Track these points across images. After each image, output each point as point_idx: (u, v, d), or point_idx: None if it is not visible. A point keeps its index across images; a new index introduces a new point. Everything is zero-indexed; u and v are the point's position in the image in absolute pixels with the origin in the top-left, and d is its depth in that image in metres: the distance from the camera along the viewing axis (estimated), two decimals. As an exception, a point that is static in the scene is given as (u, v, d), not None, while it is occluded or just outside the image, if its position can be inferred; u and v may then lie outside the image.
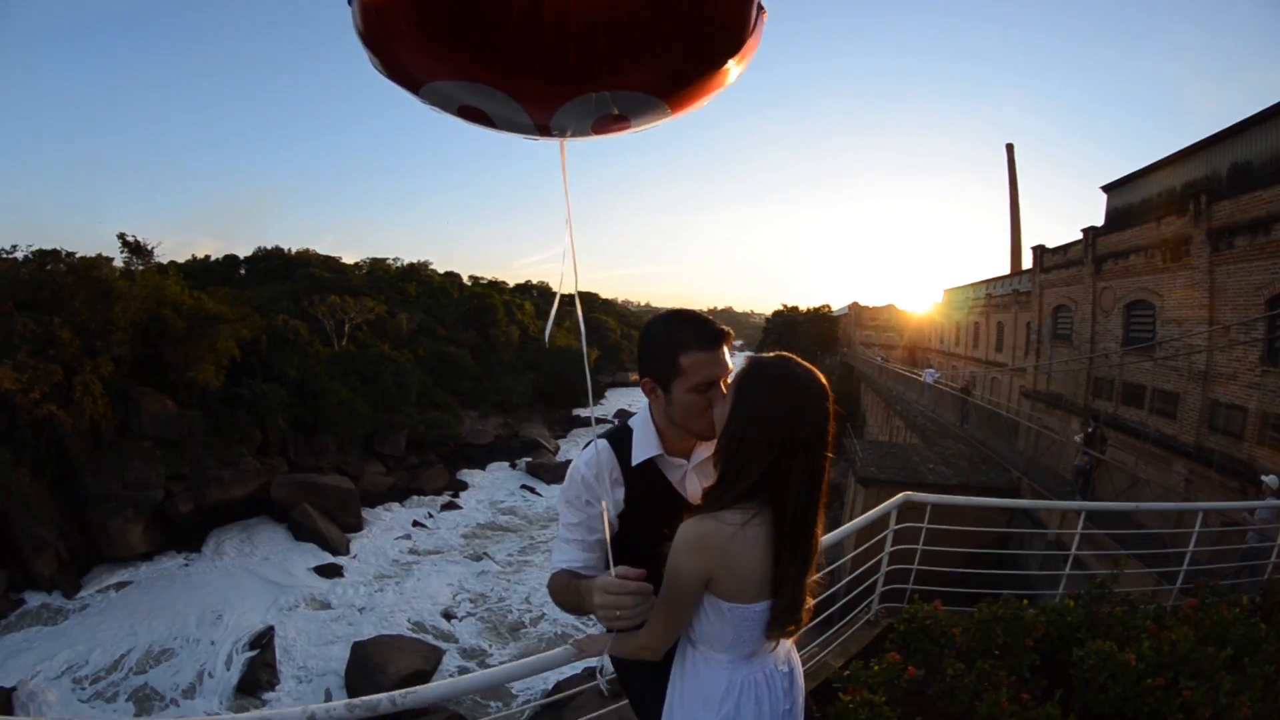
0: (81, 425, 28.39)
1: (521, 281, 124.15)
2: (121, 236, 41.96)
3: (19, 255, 33.49)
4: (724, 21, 1.52)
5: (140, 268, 39.58)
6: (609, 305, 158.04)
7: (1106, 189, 25.38)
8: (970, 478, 20.41)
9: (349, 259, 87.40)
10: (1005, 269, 42.55)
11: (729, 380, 1.85)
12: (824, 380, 1.67)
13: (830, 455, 1.66)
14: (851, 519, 5.52)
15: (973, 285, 39.42)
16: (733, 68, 1.61)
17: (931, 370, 35.44)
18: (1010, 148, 45.59)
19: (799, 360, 1.70)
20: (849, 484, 23.68)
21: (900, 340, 58.21)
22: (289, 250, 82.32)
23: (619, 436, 2.05)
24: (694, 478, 2.01)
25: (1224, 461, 14.70)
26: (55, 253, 32.85)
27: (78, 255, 33.11)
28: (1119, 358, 20.96)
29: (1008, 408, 28.23)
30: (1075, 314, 25.10)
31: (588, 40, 1.46)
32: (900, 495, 5.14)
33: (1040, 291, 28.54)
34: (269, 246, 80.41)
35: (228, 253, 78.39)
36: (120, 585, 28.38)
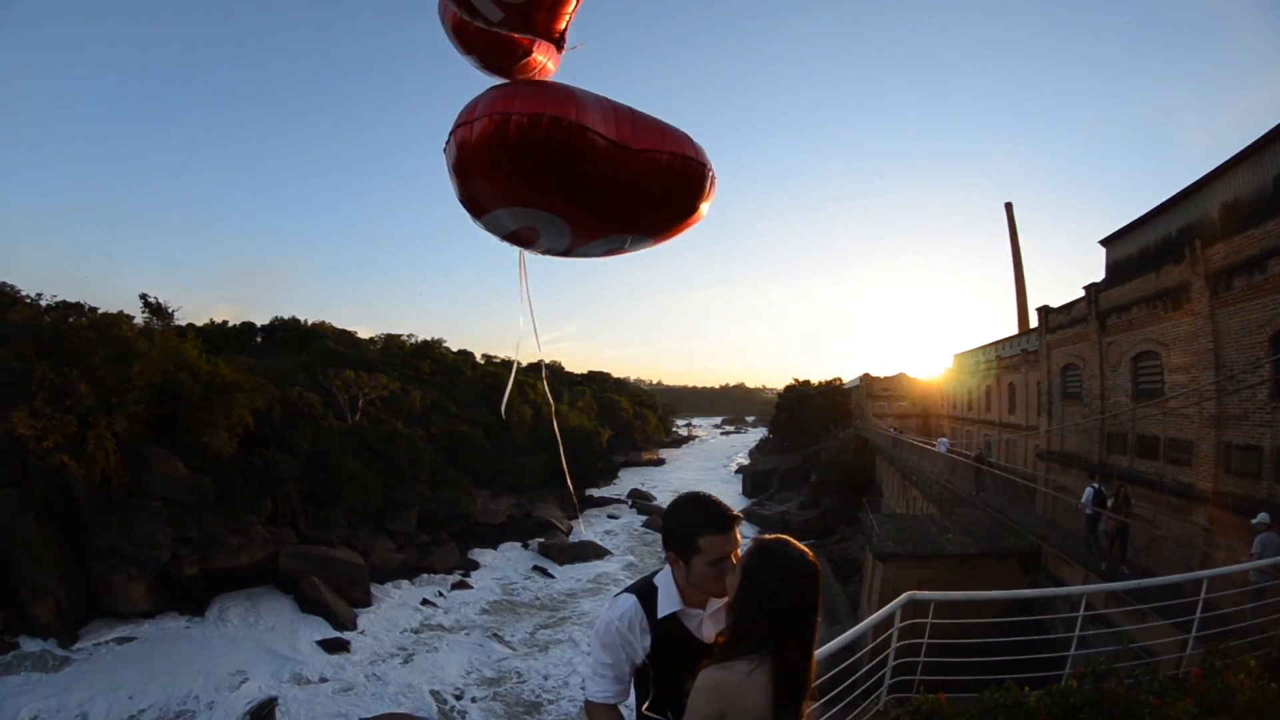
0: (92, 478, 28.50)
1: (534, 361, 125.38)
2: (144, 297, 43.49)
3: (43, 302, 34.53)
4: (701, 190, 3.10)
5: (159, 327, 40.72)
6: (620, 385, 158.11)
7: (1105, 243, 25.75)
8: (990, 545, 19.98)
9: (364, 333, 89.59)
10: (1012, 328, 42.70)
11: (738, 554, 2.32)
12: (814, 559, 2.15)
13: (818, 620, 2.13)
14: (869, 595, 5.92)
15: (981, 348, 39.48)
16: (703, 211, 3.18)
17: (944, 440, 35.61)
18: (1009, 207, 46.26)
19: (795, 543, 2.16)
20: (866, 558, 23.24)
21: (913, 409, 57.82)
22: (305, 322, 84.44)
23: (645, 592, 2.48)
24: (709, 624, 2.47)
25: (1242, 503, 14.32)
26: (78, 306, 33.89)
27: (100, 311, 34.15)
28: (1130, 411, 20.74)
29: (1025, 470, 27.88)
30: (1084, 371, 25.01)
31: (636, 202, 3.03)
32: (904, 596, 5.47)
33: (1048, 352, 28.57)
34: (285, 317, 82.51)
35: (245, 320, 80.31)
36: (122, 640, 27.94)
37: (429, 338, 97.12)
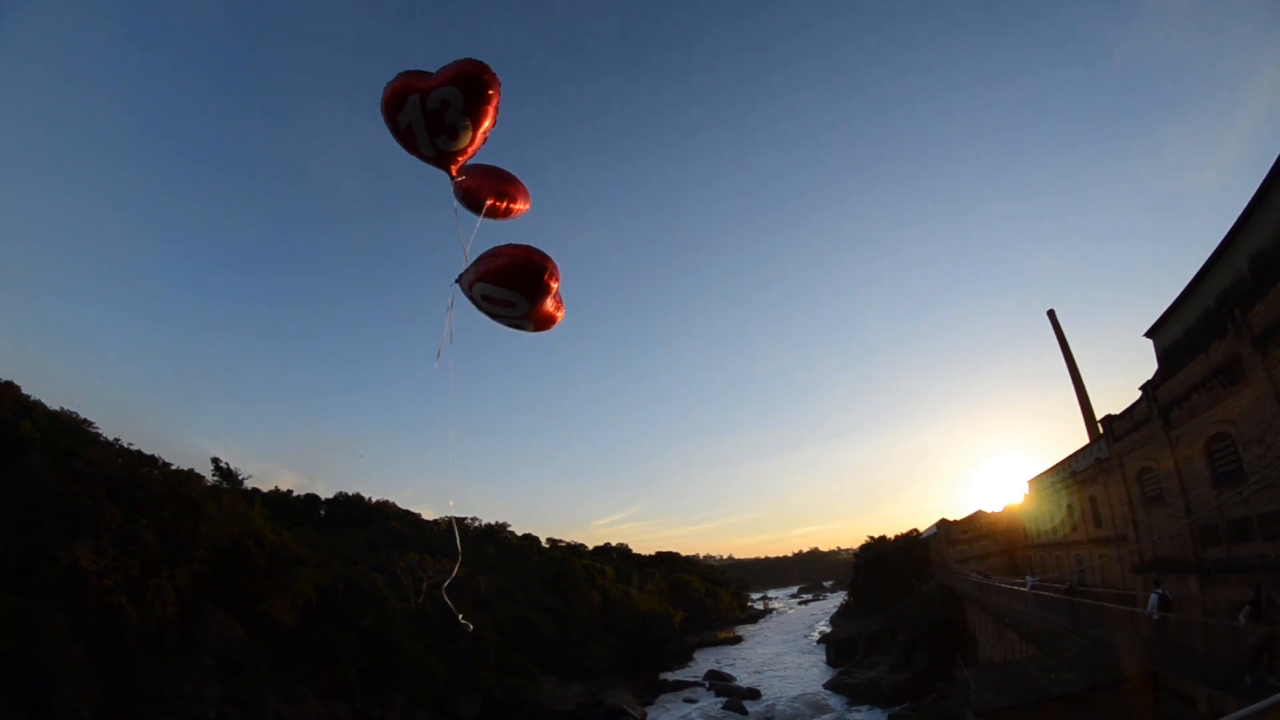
0: (148, 624, 28.65)
1: (600, 544, 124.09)
2: (215, 461, 46.40)
3: (120, 443, 36.96)
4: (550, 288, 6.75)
5: (227, 488, 42.81)
6: (691, 563, 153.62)
7: (1150, 334, 25.25)
8: (1098, 676, 18.36)
9: (428, 515, 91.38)
10: (1080, 438, 40.56)
11: None
12: None
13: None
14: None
15: (1054, 468, 37.60)
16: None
17: (1030, 578, 34.07)
18: (1052, 314, 45.51)
19: None
20: (966, 717, 21.34)
21: (995, 546, 53.64)
22: (369, 499, 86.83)
23: None
24: None
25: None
26: (153, 459, 36.24)
27: (173, 467, 36.38)
28: (1214, 499, 19.19)
29: (1121, 587, 25.53)
30: (1159, 471, 23.60)
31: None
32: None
33: (1120, 461, 27.21)
34: (350, 492, 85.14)
35: (309, 490, 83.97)
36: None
37: (494, 522, 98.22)
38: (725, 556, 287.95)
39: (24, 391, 39.73)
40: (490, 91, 6.67)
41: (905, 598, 68.62)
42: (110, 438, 40.27)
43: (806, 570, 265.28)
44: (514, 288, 6.67)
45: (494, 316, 7.16)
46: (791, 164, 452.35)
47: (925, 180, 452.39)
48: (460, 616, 9.34)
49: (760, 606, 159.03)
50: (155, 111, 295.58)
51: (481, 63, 6.58)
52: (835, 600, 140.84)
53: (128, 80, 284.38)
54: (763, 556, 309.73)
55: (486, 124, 6.93)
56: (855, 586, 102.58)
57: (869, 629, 73.11)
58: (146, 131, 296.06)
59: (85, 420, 39.67)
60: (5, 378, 39.69)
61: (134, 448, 41.18)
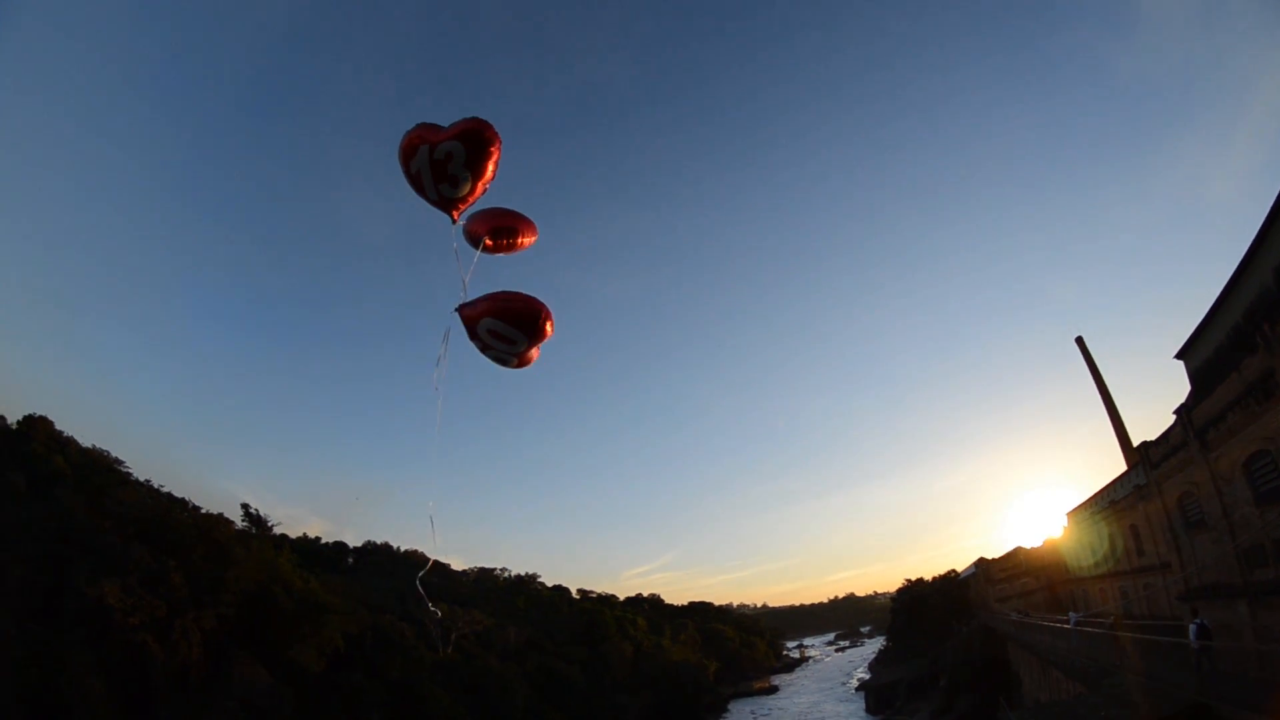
0: (173, 663, 28.65)
1: (632, 595, 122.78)
2: (245, 507, 46.94)
3: (151, 484, 37.56)
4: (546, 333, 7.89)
5: (254, 532, 43.18)
6: (724, 613, 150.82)
7: (1181, 356, 24.65)
8: (1148, 712, 17.59)
9: (457, 565, 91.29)
10: (1117, 464, 39.23)
11: None
12: None
13: None
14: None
15: (1092, 499, 36.44)
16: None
17: (1074, 614, 32.87)
18: (1080, 341, 44.63)
19: None
20: None
21: (1036, 582, 51.55)
22: (398, 548, 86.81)
23: None
24: None
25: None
26: (183, 502, 36.99)
27: (202, 510, 36.93)
28: (1259, 518, 18.42)
29: (1169, 616, 24.39)
30: (1199, 495, 22.79)
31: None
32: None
33: (1159, 488, 26.35)
34: (378, 541, 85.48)
35: (338, 539, 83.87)
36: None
37: (523, 573, 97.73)
38: (759, 605, 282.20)
39: (57, 427, 41.14)
40: (490, 148, 7.52)
41: (945, 640, 66.32)
42: (141, 478, 41.36)
43: (843, 616, 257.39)
44: (520, 328, 7.76)
45: (486, 348, 8.10)
46: (814, 206, 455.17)
47: (945, 215, 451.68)
48: (430, 604, 9.61)
49: (796, 655, 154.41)
50: (193, 159, 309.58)
51: (484, 121, 7.38)
52: (873, 646, 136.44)
53: (167, 129, 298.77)
54: (798, 604, 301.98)
55: (487, 176, 7.79)
56: (893, 631, 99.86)
57: (909, 674, 70.74)
58: (182, 178, 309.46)
59: (116, 459, 40.89)
60: (39, 413, 41.03)
61: (164, 490, 42.12)
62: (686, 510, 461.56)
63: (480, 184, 7.85)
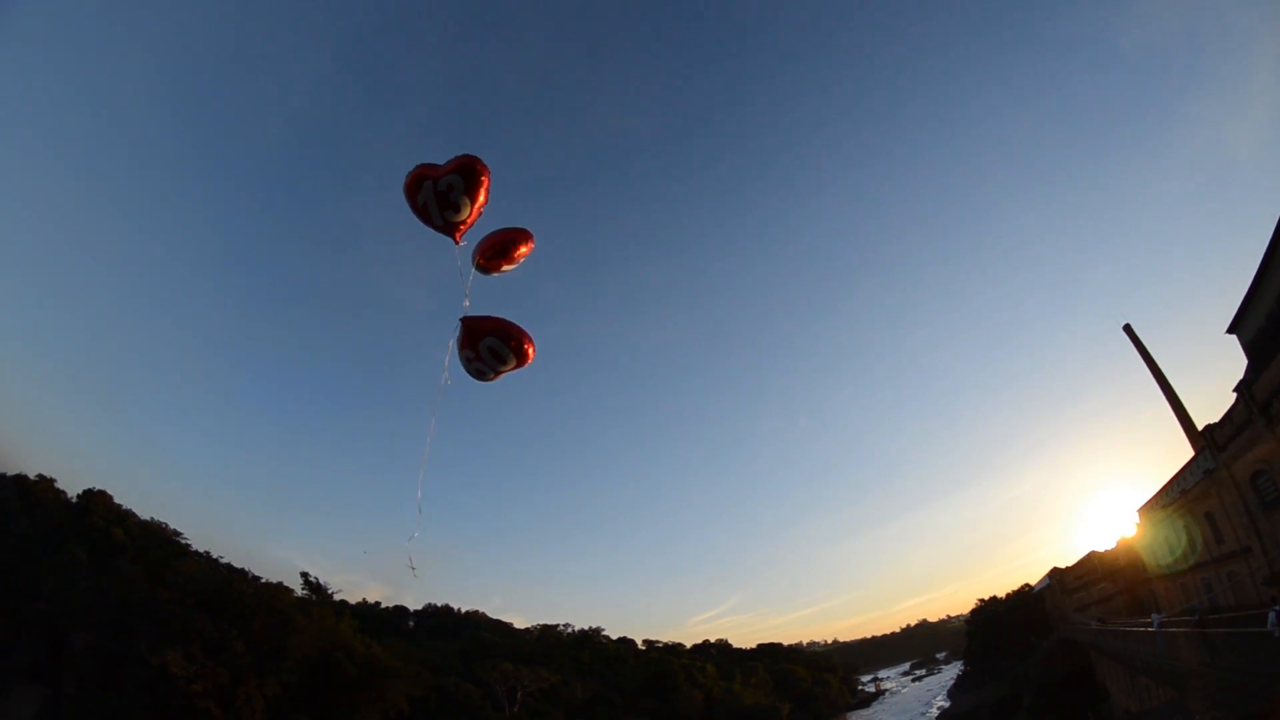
0: None
1: (699, 641, 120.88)
2: (304, 576, 47.50)
3: (212, 556, 38.33)
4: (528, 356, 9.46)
5: (314, 599, 43.62)
6: (794, 652, 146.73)
7: (1233, 329, 23.53)
8: (1246, 710, 16.70)
9: (519, 623, 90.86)
10: (1179, 451, 37.12)
11: None
12: None
13: None
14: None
15: (1162, 492, 34.50)
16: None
17: (1157, 615, 30.76)
18: (1129, 329, 42.71)
19: None
20: None
21: (1114, 586, 48.63)
22: (458, 609, 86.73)
23: None
24: None
25: None
26: (243, 572, 37.64)
27: (262, 580, 37.56)
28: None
29: (1258, 605, 22.69)
30: (1273, 471, 21.52)
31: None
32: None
33: (1229, 470, 24.92)
34: (439, 603, 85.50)
35: (398, 603, 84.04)
36: None
37: (587, 627, 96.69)
38: (829, 641, 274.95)
39: (116, 500, 42.69)
40: (482, 177, 9.11)
41: (1025, 658, 63.05)
42: (200, 549, 42.49)
43: (917, 644, 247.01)
44: (514, 351, 9.36)
45: (471, 360, 9.52)
46: (847, 230, 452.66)
47: (972, 225, 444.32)
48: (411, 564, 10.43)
49: (871, 689, 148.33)
50: (242, 235, 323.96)
51: (476, 157, 9.13)
52: (951, 672, 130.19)
53: (218, 209, 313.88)
54: (869, 636, 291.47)
55: (480, 200, 9.35)
56: (970, 654, 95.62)
57: (990, 698, 67.24)
58: (234, 252, 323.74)
59: (175, 531, 42.17)
60: (98, 487, 42.61)
61: (223, 560, 43.14)
62: (749, 552, 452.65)
63: (475, 208, 9.33)
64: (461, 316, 9.23)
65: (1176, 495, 32.52)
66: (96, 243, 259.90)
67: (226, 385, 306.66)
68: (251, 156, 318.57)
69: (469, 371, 9.63)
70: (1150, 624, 29.02)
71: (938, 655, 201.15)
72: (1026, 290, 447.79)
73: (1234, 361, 27.48)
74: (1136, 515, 42.01)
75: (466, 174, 8.96)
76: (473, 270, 9.63)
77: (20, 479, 37.19)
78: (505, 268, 9.94)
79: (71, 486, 42.92)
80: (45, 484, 38.17)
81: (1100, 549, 53.71)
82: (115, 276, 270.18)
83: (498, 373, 9.62)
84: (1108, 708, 35.10)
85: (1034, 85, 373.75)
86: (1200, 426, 29.54)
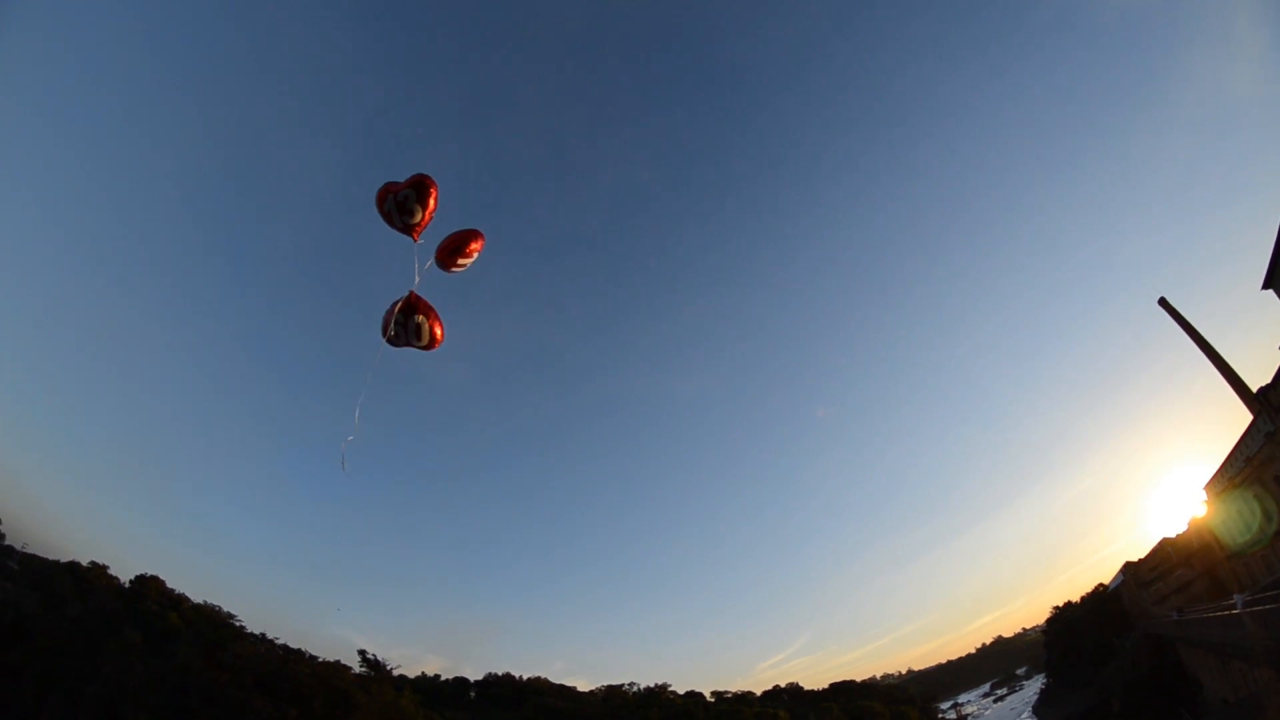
0: None
1: (769, 688, 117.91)
2: (362, 653, 47.23)
3: (268, 637, 38.18)
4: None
5: (373, 675, 43.24)
6: (868, 688, 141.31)
7: (1268, 284, 22.67)
8: None
9: (583, 686, 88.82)
10: (1237, 418, 35.10)
11: None
12: None
13: None
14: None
15: (1225, 464, 32.94)
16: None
17: (1238, 595, 29.48)
18: (1164, 302, 41.12)
19: None
20: None
21: (1192, 571, 45.96)
22: (520, 677, 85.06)
23: None
24: None
25: None
26: (299, 652, 37.39)
27: (319, 659, 37.34)
28: None
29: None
30: (1338, 417, 20.29)
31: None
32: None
33: (1291, 425, 23.71)
34: (499, 672, 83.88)
35: (457, 675, 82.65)
36: None
37: (653, 684, 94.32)
38: (903, 672, 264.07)
39: (168, 585, 43.19)
40: (431, 189, 11.85)
41: (1108, 662, 59.69)
42: (255, 631, 42.63)
43: (995, 663, 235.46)
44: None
45: (400, 325, 11.92)
46: (875, 252, 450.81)
47: (997, 228, 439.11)
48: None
49: (952, 715, 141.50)
50: (283, 328, 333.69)
51: (426, 174, 11.85)
52: (1033, 687, 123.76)
53: (256, 304, 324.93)
54: (943, 661, 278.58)
55: (431, 207, 11.94)
56: (1051, 666, 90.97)
57: (1078, 707, 63.78)
58: (275, 344, 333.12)
59: (229, 613, 42.36)
60: (150, 572, 43.15)
61: (280, 641, 43.19)
62: (811, 591, 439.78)
63: (427, 213, 11.94)
64: (411, 290, 11.79)
65: (1241, 465, 31.02)
66: (146, 331, 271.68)
67: (273, 464, 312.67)
68: (279, 244, 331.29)
69: (388, 333, 11.87)
70: (1234, 605, 27.46)
71: (1017, 671, 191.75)
72: (1056, 283, 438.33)
73: (1272, 317, 26.37)
74: (1204, 493, 40.06)
75: (419, 188, 11.73)
76: (430, 262, 11.95)
77: (73, 566, 38.06)
78: (461, 262, 12.26)
79: (124, 572, 44.00)
80: (98, 570, 39.02)
81: (1172, 535, 51.20)
82: (165, 362, 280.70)
83: (408, 340, 11.99)
84: (1203, 699, 32.84)
85: (1026, 76, 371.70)
86: (1254, 389, 28.28)
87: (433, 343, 12.08)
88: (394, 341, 11.91)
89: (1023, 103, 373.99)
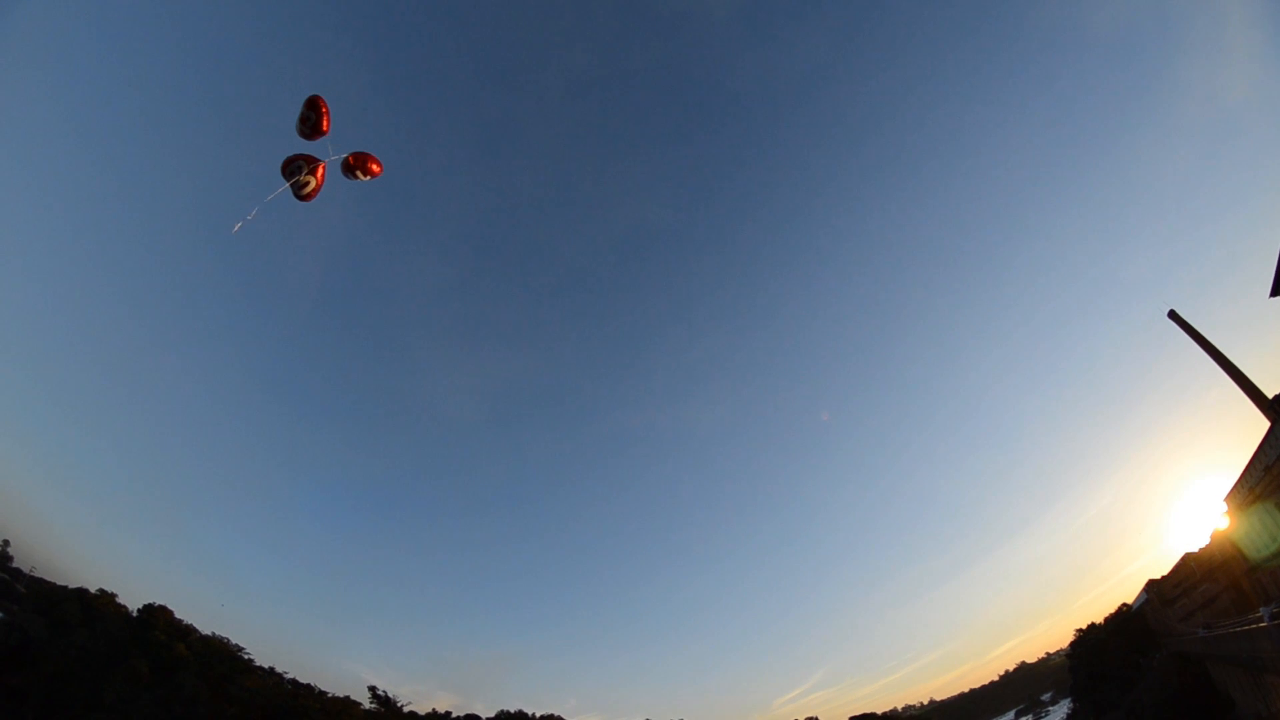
0: None
1: None
2: (372, 689, 46.53)
3: (277, 672, 37.73)
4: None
5: (383, 711, 42.64)
6: None
7: (1276, 292, 22.40)
8: None
9: None
10: (1255, 426, 34.46)
11: None
12: None
13: None
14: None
15: (1245, 474, 32.14)
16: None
17: (1266, 609, 28.86)
18: (1174, 314, 40.72)
19: None
20: None
21: (1217, 585, 44.75)
22: (533, 715, 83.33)
23: None
24: None
25: None
26: (309, 688, 36.88)
27: (329, 695, 36.83)
28: None
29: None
30: (1357, 418, 19.86)
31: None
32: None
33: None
34: (511, 710, 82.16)
35: (469, 712, 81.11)
36: None
37: None
38: (925, 702, 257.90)
39: (178, 615, 42.70)
40: (319, 101, 15.74)
41: (1136, 683, 57.99)
42: (265, 665, 42.12)
43: (1018, 689, 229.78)
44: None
45: (301, 171, 16.10)
46: (886, 269, 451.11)
47: (1005, 250, 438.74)
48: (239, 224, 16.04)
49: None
50: (293, 362, 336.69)
51: (316, 94, 15.72)
52: (1060, 712, 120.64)
53: (265, 341, 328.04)
54: (966, 690, 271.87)
55: (323, 110, 15.75)
56: (1077, 689, 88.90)
57: (1107, 732, 61.56)
58: (287, 380, 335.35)
59: (237, 646, 41.81)
60: (158, 602, 42.70)
61: (288, 676, 42.69)
62: (829, 623, 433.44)
63: (322, 118, 15.81)
64: (331, 158, 16.25)
65: (1261, 474, 30.37)
66: (158, 363, 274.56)
67: (284, 499, 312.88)
68: (297, 285, 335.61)
69: (289, 174, 15.85)
70: (1261, 619, 26.80)
71: (1042, 697, 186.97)
72: (1067, 303, 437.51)
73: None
74: (1225, 504, 39.20)
75: (311, 104, 15.71)
76: (340, 157, 16.27)
77: (81, 592, 37.69)
78: (360, 175, 16.53)
79: (132, 601, 43.58)
80: (106, 598, 38.64)
81: (1194, 550, 50.02)
82: (176, 394, 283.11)
83: (305, 187, 16.08)
84: (1236, 717, 31.78)
85: (1023, 90, 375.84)
86: (1270, 396, 27.82)
87: (314, 193, 16.36)
88: (298, 189, 16.04)
89: (1023, 115, 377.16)
